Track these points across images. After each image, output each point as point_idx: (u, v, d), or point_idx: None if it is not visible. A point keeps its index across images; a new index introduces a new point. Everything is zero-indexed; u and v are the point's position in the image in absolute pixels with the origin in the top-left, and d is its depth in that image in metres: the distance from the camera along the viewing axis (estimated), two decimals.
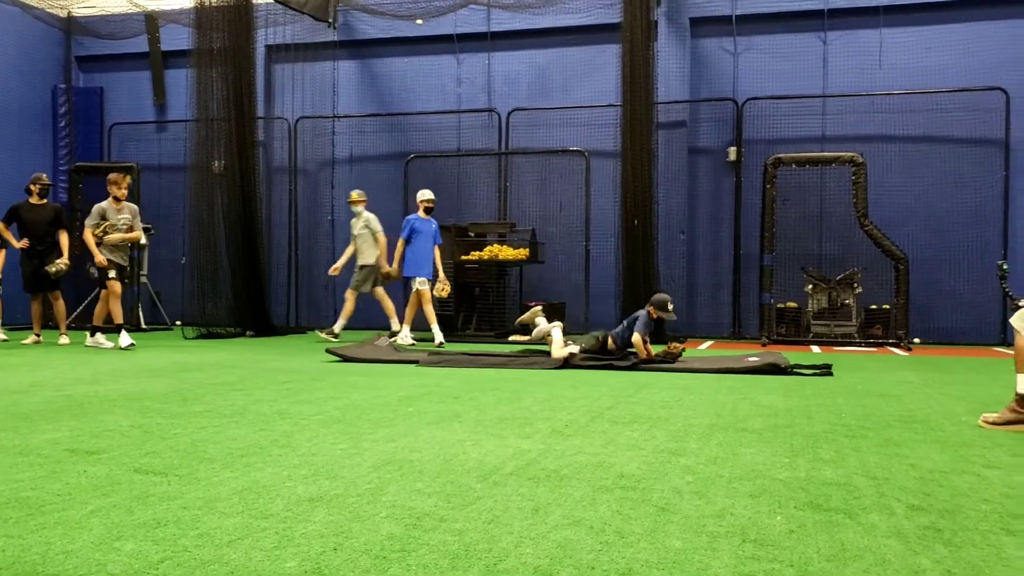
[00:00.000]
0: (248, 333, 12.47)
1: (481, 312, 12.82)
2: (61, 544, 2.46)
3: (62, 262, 10.84)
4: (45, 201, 11.16)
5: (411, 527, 2.65)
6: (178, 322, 14.74)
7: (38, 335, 11.00)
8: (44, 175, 11.35)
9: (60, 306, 11.11)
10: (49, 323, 12.07)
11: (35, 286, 11.02)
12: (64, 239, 11.06)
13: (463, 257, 12.66)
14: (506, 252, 12.50)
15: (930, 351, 10.99)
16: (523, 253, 12.50)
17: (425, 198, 11.46)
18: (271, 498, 3.00)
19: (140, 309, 14.04)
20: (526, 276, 13.59)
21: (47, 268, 10.76)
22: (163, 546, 2.45)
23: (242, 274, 12.76)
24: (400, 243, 11.23)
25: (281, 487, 3.16)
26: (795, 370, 7.60)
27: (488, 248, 12.63)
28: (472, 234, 13.07)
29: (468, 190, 14.39)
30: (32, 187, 11.05)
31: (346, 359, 8.63)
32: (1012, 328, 4.47)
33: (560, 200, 13.49)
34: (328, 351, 9.10)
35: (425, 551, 2.42)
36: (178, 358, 8.97)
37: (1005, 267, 5.32)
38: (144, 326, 13.90)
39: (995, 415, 4.71)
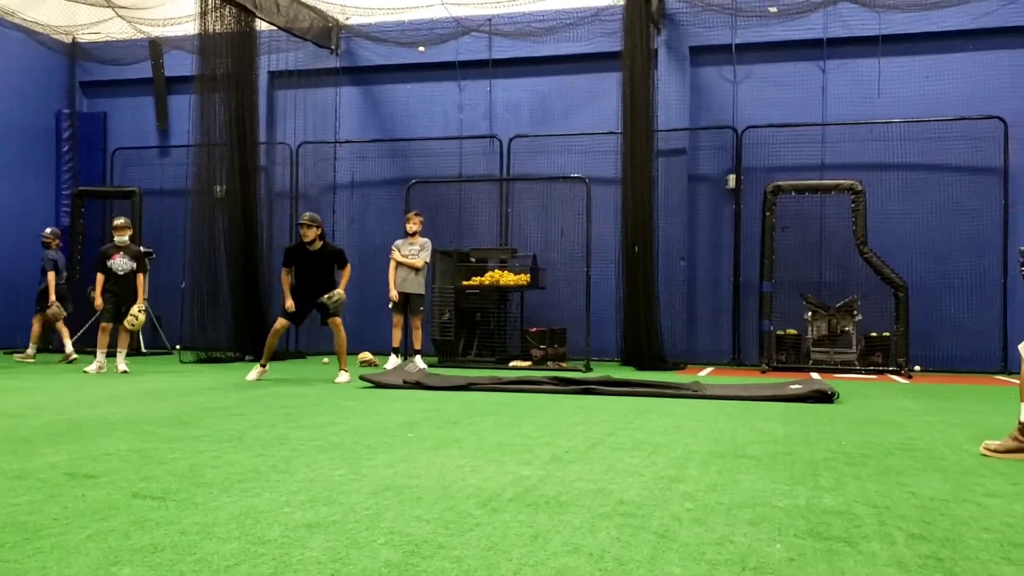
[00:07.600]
0: (248, 358, 12.45)
1: (482, 337, 12.82)
2: (58, 569, 2.45)
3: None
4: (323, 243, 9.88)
5: (409, 554, 2.64)
6: (178, 346, 14.72)
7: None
8: (307, 214, 9.95)
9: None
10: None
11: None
12: (346, 274, 9.93)
13: (464, 283, 12.66)
14: (507, 278, 12.51)
15: (931, 379, 10.97)
16: (524, 279, 12.50)
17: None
18: (269, 524, 2.99)
19: (140, 333, 14.01)
20: (527, 302, 13.58)
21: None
22: (160, 572, 2.44)
23: (242, 299, 12.77)
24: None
25: (279, 512, 3.15)
26: (797, 394, 7.65)
27: (489, 274, 12.64)
28: (473, 259, 13.08)
29: (469, 216, 14.43)
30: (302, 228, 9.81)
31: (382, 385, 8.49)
32: (1019, 355, 4.44)
33: (561, 226, 13.52)
34: (362, 378, 8.95)
35: None
36: (177, 382, 8.96)
37: None
38: (144, 350, 13.89)
39: (997, 443, 4.69)
